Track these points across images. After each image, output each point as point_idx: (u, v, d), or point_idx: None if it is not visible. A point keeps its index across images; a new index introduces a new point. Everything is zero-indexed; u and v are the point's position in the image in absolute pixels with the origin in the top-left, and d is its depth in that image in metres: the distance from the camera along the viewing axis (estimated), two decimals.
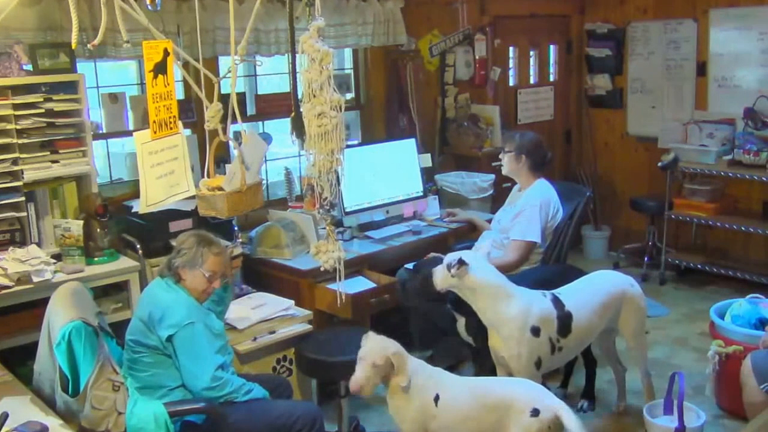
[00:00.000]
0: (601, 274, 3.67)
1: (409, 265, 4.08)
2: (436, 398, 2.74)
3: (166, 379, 2.82)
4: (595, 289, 3.49)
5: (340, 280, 2.49)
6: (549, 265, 3.99)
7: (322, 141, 2.23)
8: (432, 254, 3.97)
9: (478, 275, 3.19)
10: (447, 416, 2.73)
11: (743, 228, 5.35)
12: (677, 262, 5.77)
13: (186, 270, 2.86)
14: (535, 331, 3.20)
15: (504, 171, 4.14)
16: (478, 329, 3.41)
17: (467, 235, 4.49)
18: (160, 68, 2.37)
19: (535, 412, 2.67)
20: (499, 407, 2.71)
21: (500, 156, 4.16)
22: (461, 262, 3.16)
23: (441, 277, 3.24)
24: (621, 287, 3.54)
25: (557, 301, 3.33)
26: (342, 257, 2.47)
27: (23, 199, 3.36)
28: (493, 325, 3.24)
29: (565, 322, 3.29)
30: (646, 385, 3.72)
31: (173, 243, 3.02)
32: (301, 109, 2.29)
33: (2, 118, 3.26)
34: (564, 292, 3.40)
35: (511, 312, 3.19)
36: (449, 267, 3.18)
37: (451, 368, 4.09)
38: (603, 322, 3.48)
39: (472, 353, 4.07)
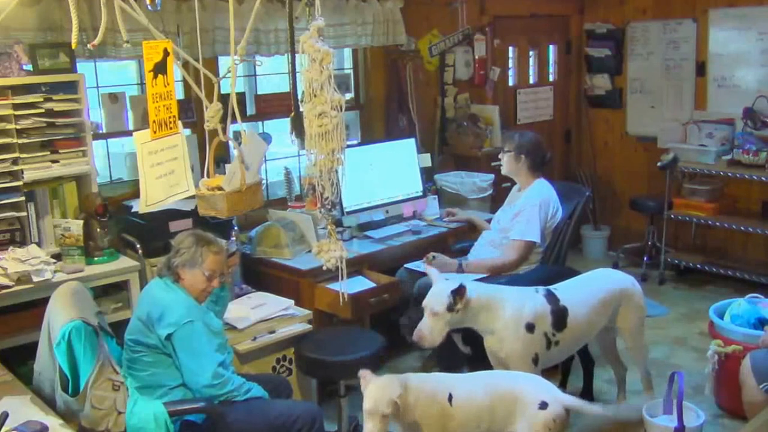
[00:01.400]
0: (602, 272, 3.68)
1: (410, 265, 4.08)
2: (450, 398, 2.73)
3: (165, 378, 2.82)
4: (594, 286, 3.49)
5: (342, 279, 2.49)
6: (548, 265, 3.99)
7: (323, 141, 2.23)
8: (432, 254, 3.97)
9: (475, 294, 3.13)
10: (463, 413, 2.73)
11: (742, 228, 5.35)
12: (676, 261, 5.78)
13: (185, 269, 2.87)
14: (530, 328, 3.20)
15: (503, 171, 4.14)
16: (476, 339, 3.41)
17: (467, 234, 4.49)
18: (160, 68, 2.37)
19: (544, 405, 2.70)
20: (508, 399, 2.73)
21: (500, 156, 4.17)
22: (461, 289, 3.05)
23: (440, 328, 3.06)
24: (621, 285, 3.54)
25: (551, 296, 3.32)
26: (344, 256, 2.47)
27: (23, 198, 3.36)
28: (489, 331, 3.23)
29: (559, 316, 3.29)
30: (645, 384, 3.73)
31: (172, 243, 3.03)
32: (302, 109, 2.29)
33: (2, 118, 3.26)
34: (560, 287, 3.41)
35: (505, 315, 3.19)
36: (451, 307, 3.04)
37: (448, 370, 4.09)
38: (603, 319, 3.48)
39: (467, 359, 4.07)
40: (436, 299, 3.06)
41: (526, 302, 3.24)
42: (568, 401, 2.79)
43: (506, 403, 2.73)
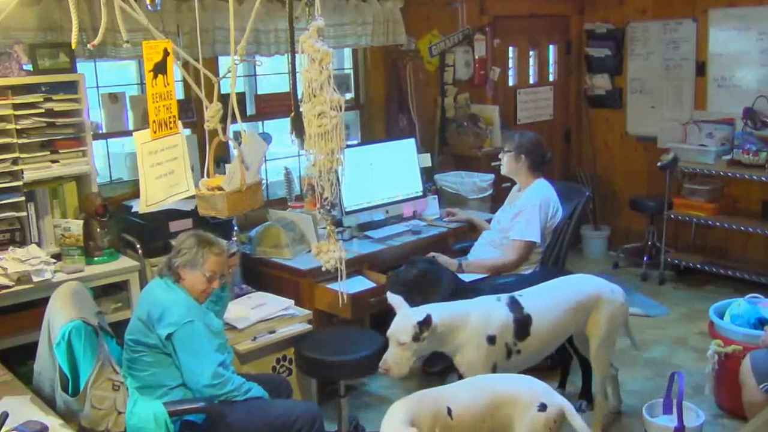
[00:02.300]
0: (578, 277, 3.57)
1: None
2: (449, 411, 2.69)
3: (165, 378, 2.82)
4: (565, 291, 3.39)
5: (341, 280, 2.49)
6: (547, 268, 3.98)
7: (322, 141, 2.23)
8: (432, 254, 3.97)
9: (440, 318, 3.03)
10: (464, 422, 2.70)
11: (742, 228, 5.35)
12: (676, 261, 5.78)
13: (186, 270, 2.87)
14: (491, 340, 3.11)
15: (503, 170, 4.14)
16: None
17: (467, 234, 4.49)
18: (160, 68, 2.37)
19: (543, 407, 2.70)
20: (506, 403, 2.72)
21: (500, 155, 4.17)
22: (428, 319, 2.95)
23: (407, 358, 2.96)
24: (596, 291, 3.42)
25: (515, 304, 3.24)
26: (343, 257, 2.47)
27: (23, 198, 3.36)
28: (458, 348, 3.14)
29: (522, 325, 3.19)
30: (599, 397, 3.58)
31: (173, 243, 3.03)
32: (301, 109, 2.30)
33: (2, 118, 3.26)
34: (525, 293, 3.33)
35: (469, 329, 3.11)
36: (417, 337, 2.94)
37: (444, 372, 4.09)
38: (574, 325, 3.38)
39: None
40: (402, 329, 2.97)
41: (489, 314, 3.16)
42: (566, 404, 2.78)
43: (505, 407, 2.72)
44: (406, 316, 3.01)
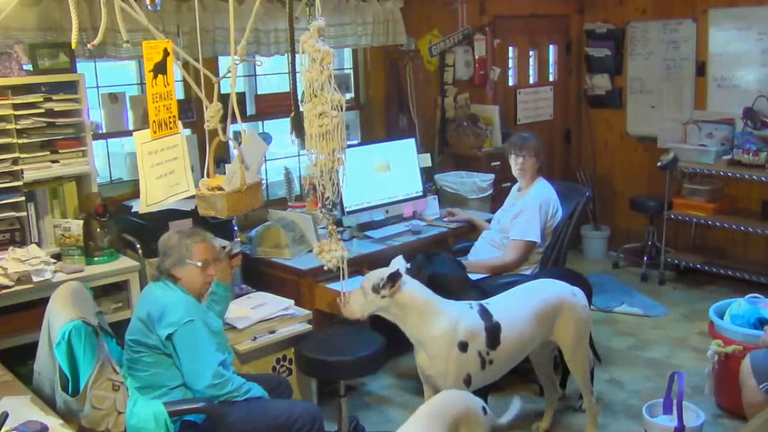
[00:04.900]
0: (540, 283, 3.51)
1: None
2: None
3: (166, 378, 2.82)
4: (529, 298, 3.32)
5: (343, 279, 2.49)
6: (548, 269, 3.98)
7: (324, 141, 2.23)
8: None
9: (409, 290, 3.01)
10: None
11: (742, 228, 5.35)
12: (676, 261, 5.78)
13: (178, 268, 2.87)
14: (463, 347, 3.02)
15: (518, 173, 4.10)
16: None
17: (467, 234, 4.49)
18: (160, 68, 2.37)
19: (485, 411, 2.75)
20: (462, 421, 2.66)
21: (514, 159, 4.10)
22: (396, 276, 2.97)
23: (362, 303, 3.01)
24: (559, 296, 3.34)
25: (485, 312, 3.15)
26: (345, 256, 2.47)
27: (23, 199, 3.36)
28: (421, 343, 3.07)
29: (493, 333, 3.10)
30: (587, 401, 3.55)
31: (159, 248, 3.00)
32: (302, 109, 2.30)
33: (2, 118, 3.26)
34: (493, 302, 3.26)
35: (438, 329, 3.01)
36: (377, 288, 2.97)
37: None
38: (540, 332, 3.31)
39: None
40: (372, 276, 3.04)
41: (461, 319, 3.07)
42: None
43: (461, 424, 2.66)
44: (385, 270, 3.04)
